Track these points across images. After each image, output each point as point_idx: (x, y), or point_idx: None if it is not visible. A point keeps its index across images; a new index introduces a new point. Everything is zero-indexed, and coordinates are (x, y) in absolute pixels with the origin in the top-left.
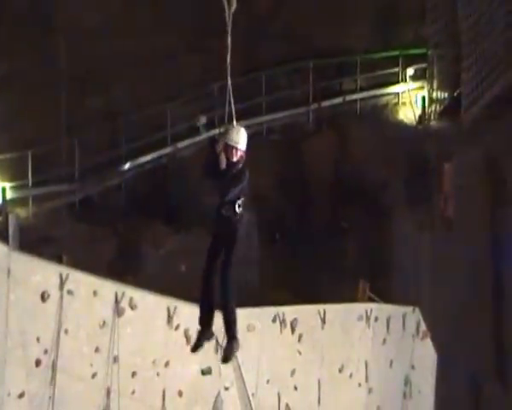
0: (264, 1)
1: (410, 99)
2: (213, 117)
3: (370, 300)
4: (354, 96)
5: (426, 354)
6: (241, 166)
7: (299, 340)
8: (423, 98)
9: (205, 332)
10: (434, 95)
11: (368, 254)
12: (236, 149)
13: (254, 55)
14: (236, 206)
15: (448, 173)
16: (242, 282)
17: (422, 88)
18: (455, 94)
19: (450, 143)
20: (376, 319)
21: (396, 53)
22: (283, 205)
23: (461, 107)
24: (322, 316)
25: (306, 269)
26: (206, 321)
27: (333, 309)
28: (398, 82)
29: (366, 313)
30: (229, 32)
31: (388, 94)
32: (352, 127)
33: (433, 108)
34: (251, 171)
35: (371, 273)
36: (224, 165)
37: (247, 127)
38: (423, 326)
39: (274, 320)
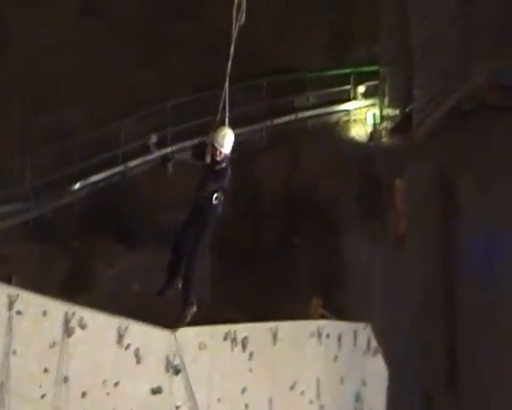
0: (217, 19)
1: (361, 116)
2: (166, 135)
3: (323, 316)
4: (306, 114)
5: (377, 370)
6: (224, 165)
7: (250, 358)
8: (374, 115)
9: (170, 281)
10: (386, 112)
11: (320, 270)
12: (220, 150)
13: (208, 72)
14: (213, 198)
15: (400, 189)
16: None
17: (374, 105)
18: (406, 111)
19: (402, 160)
20: (328, 335)
21: (348, 70)
22: (236, 221)
23: (412, 123)
24: (273, 333)
25: (258, 286)
26: (173, 271)
27: (285, 326)
28: (349, 99)
29: (318, 329)
30: (233, 43)
31: (340, 111)
32: (304, 144)
33: (385, 125)
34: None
35: (323, 289)
36: (208, 160)
37: (198, 145)
38: (375, 342)
39: (225, 338)
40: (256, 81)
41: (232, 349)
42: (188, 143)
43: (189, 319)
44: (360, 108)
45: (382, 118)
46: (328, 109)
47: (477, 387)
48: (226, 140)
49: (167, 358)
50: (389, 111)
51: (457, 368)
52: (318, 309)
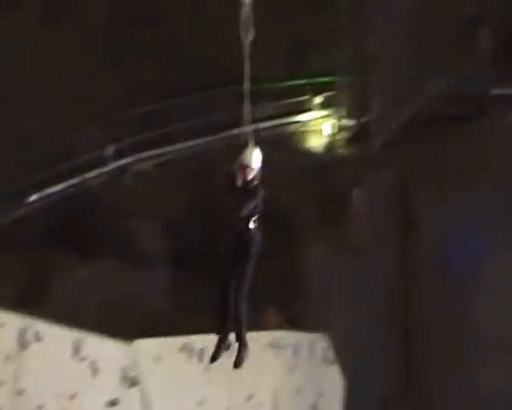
0: (176, 28)
1: (318, 127)
2: (124, 146)
3: (281, 327)
4: (264, 124)
5: (334, 381)
6: (255, 183)
7: (207, 369)
8: (332, 126)
9: (221, 343)
10: (342, 122)
11: (278, 280)
12: (249, 167)
13: (167, 82)
14: (251, 222)
15: (357, 199)
16: (153, 310)
17: (331, 116)
18: (363, 121)
19: (359, 170)
20: (285, 346)
21: (304, 81)
22: (194, 232)
23: (369, 134)
24: (230, 345)
25: (216, 296)
26: (222, 332)
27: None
28: (306, 110)
29: (275, 340)
30: (247, 61)
31: (297, 122)
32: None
33: (342, 136)
34: (162, 198)
35: (281, 300)
36: (239, 183)
37: (160, 155)
38: (331, 353)
39: (182, 350)
40: (213, 91)
41: (189, 361)
42: (146, 154)
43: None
44: (317, 119)
45: (339, 128)
46: (285, 120)
47: (432, 397)
48: (253, 156)
49: (124, 370)
50: (346, 121)
51: (413, 378)
52: (276, 319)
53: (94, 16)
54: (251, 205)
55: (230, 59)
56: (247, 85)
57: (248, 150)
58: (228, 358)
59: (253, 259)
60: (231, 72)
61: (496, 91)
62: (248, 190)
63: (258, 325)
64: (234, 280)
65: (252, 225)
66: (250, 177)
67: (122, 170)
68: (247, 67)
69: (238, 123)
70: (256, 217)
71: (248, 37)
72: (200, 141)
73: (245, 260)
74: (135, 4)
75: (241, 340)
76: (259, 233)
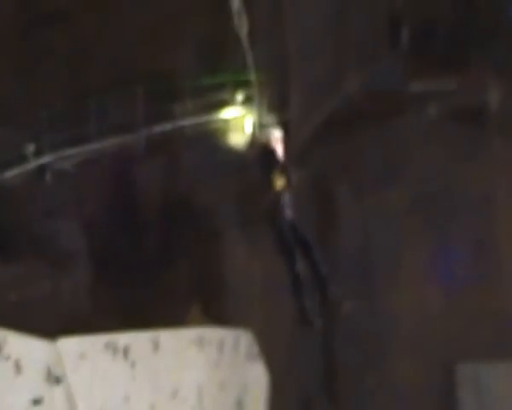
0: (90, 26)
1: (239, 124)
2: (43, 145)
3: (203, 323)
4: (184, 122)
5: (258, 376)
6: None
7: (131, 366)
8: (253, 123)
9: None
10: (264, 119)
11: (200, 277)
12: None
13: (82, 81)
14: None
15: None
16: (74, 310)
17: (251, 113)
18: (283, 118)
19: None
20: (209, 342)
21: (225, 78)
22: (115, 231)
23: (289, 131)
24: (154, 341)
25: (139, 295)
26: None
27: (166, 334)
28: (227, 107)
29: (199, 336)
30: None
31: (218, 119)
32: (183, 152)
33: (263, 133)
34: (81, 197)
35: (204, 297)
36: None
37: (76, 155)
38: (255, 348)
39: (106, 347)
40: (132, 89)
41: (113, 358)
42: (65, 153)
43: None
44: (238, 116)
45: (261, 125)
46: (207, 117)
47: (351, 393)
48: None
49: (48, 368)
50: (266, 119)
51: (336, 374)
52: (198, 316)
53: (6, 16)
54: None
55: (147, 58)
56: (253, 77)
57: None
58: (153, 356)
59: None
60: (148, 70)
61: (415, 88)
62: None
63: (181, 322)
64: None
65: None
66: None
67: (41, 169)
68: (249, 58)
69: (155, 121)
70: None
71: (244, 28)
72: (118, 139)
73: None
74: (50, 3)
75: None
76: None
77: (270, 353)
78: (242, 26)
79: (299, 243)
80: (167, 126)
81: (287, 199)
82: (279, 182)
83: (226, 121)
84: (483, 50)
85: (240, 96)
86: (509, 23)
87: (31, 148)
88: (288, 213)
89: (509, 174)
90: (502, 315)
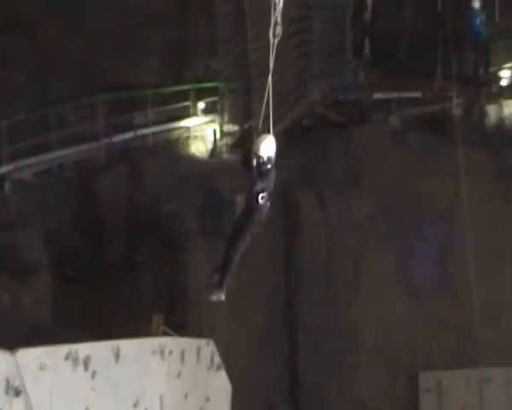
0: (51, 35)
1: (202, 132)
2: (1, 154)
3: (165, 333)
4: (146, 131)
5: (220, 386)
6: (268, 167)
7: (92, 377)
8: (215, 131)
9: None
10: (226, 128)
11: (162, 287)
12: (258, 155)
13: (43, 90)
14: (259, 197)
15: (241, 206)
16: (34, 321)
17: (214, 121)
18: (246, 127)
19: (243, 176)
20: (171, 352)
21: (187, 87)
22: (76, 242)
23: (252, 140)
24: (116, 352)
25: (100, 305)
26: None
27: (127, 344)
28: (189, 116)
29: (161, 346)
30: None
31: (180, 128)
32: (145, 161)
33: (225, 141)
34: (42, 207)
35: (166, 307)
36: (253, 163)
37: (36, 164)
38: (218, 358)
39: (66, 358)
40: (93, 98)
41: (74, 369)
42: (25, 162)
43: (214, 298)
44: (200, 125)
45: (223, 134)
46: (169, 126)
47: (318, 402)
48: (263, 147)
49: (7, 380)
50: (229, 127)
51: (299, 383)
52: (160, 326)
53: None
54: (262, 185)
55: (109, 67)
56: (269, 83)
57: (260, 140)
58: (115, 366)
59: (254, 224)
60: (109, 79)
61: (376, 96)
62: (261, 171)
63: (143, 332)
64: (234, 235)
65: (260, 201)
66: (261, 161)
67: (0, 179)
68: (271, 66)
69: (117, 130)
70: (265, 194)
71: (276, 38)
72: (79, 148)
73: (248, 223)
74: (11, 12)
75: (223, 278)
76: (267, 206)
77: (233, 362)
78: (275, 35)
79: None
80: (129, 135)
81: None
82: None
83: (188, 130)
84: (446, 61)
85: (202, 105)
86: (472, 34)
87: None
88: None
89: (472, 183)
90: (463, 324)
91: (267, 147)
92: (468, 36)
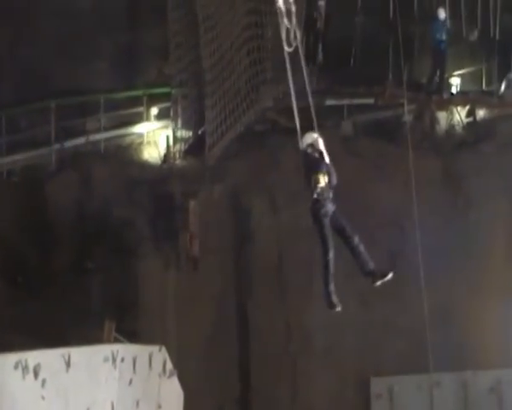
0: (2, 39)
1: (154, 138)
2: None
3: (116, 340)
4: (98, 136)
5: (173, 393)
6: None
7: (42, 385)
8: (168, 137)
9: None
10: (179, 134)
11: (113, 294)
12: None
13: None
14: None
15: (193, 211)
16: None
17: (167, 127)
18: (199, 132)
19: (196, 182)
20: (123, 359)
21: (140, 92)
22: (26, 247)
23: (204, 145)
24: (66, 359)
25: (50, 312)
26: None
27: (78, 352)
28: (142, 121)
29: (112, 353)
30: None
31: (133, 133)
32: (97, 167)
33: (178, 147)
34: None
35: (117, 313)
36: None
37: None
38: (170, 365)
39: (16, 367)
40: (43, 103)
41: (23, 378)
42: None
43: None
44: (153, 130)
45: (176, 140)
46: (121, 132)
47: (270, 407)
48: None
49: None
50: (182, 133)
51: (250, 388)
52: (111, 333)
53: None
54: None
55: (60, 72)
56: (292, 91)
57: (306, 136)
58: (65, 374)
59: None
60: (61, 84)
61: (328, 103)
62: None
63: (94, 339)
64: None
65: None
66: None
67: None
68: (289, 75)
69: (68, 135)
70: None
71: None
72: (30, 153)
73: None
74: None
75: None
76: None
77: (185, 368)
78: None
79: (338, 232)
80: (80, 141)
81: (328, 195)
82: (322, 180)
83: (141, 136)
84: (399, 67)
85: (154, 111)
86: (434, 43)
87: None
88: (330, 206)
89: (422, 189)
90: (413, 329)
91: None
92: (431, 45)
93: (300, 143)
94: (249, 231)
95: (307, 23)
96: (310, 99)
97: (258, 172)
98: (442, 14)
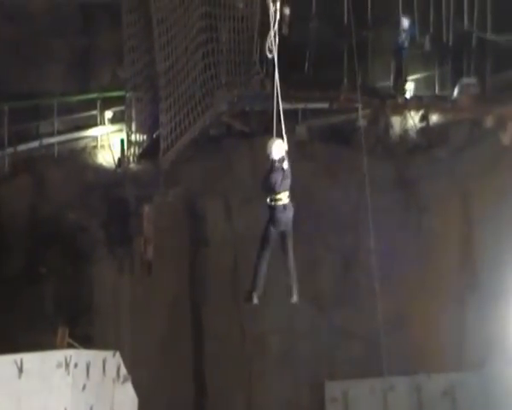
0: None
1: (109, 142)
2: None
3: (70, 346)
4: (52, 140)
5: (126, 398)
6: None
7: None
8: (122, 141)
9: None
10: (133, 137)
11: (67, 299)
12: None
13: None
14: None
15: (148, 215)
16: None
17: (121, 131)
18: (153, 136)
19: (150, 186)
20: (76, 365)
21: (94, 95)
22: None
23: (159, 149)
24: (19, 365)
25: (2, 317)
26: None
27: (30, 358)
28: (96, 125)
29: (65, 359)
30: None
31: (87, 137)
32: (50, 171)
33: (132, 151)
34: None
35: (71, 319)
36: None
37: None
38: (124, 370)
39: None
40: None
41: None
42: None
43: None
44: (108, 134)
45: (130, 143)
46: (75, 135)
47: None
48: (270, 148)
49: None
50: (137, 137)
51: (205, 393)
52: (64, 338)
53: None
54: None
55: (14, 75)
56: (276, 95)
57: (269, 143)
58: (18, 380)
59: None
60: (13, 88)
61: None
62: (283, 168)
63: (47, 345)
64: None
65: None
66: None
67: None
68: (276, 78)
69: (22, 139)
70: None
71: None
72: None
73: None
74: None
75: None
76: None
77: (139, 374)
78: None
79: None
80: (34, 145)
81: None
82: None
83: (94, 139)
84: (353, 72)
85: (108, 114)
86: (396, 50)
87: None
88: (283, 220)
89: (376, 193)
90: (367, 334)
91: (273, 149)
92: (393, 49)
93: (270, 152)
94: (204, 235)
95: (264, 28)
96: (274, 104)
97: (212, 177)
98: (405, 22)
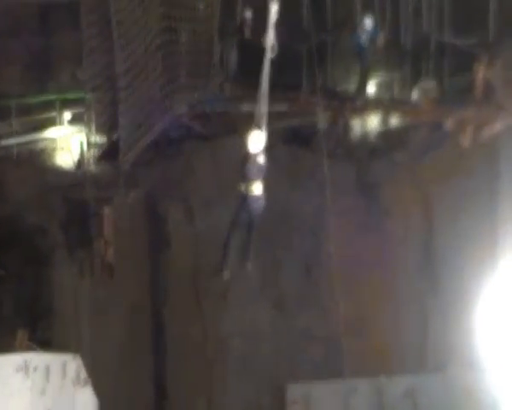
0: None
1: (68, 143)
2: None
3: (29, 349)
4: (10, 141)
5: (87, 401)
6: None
7: None
8: (81, 142)
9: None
10: (93, 139)
11: (26, 302)
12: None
13: None
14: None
15: (108, 217)
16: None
17: (80, 132)
18: (113, 138)
19: (110, 188)
20: (35, 368)
21: (53, 96)
22: None
23: (118, 151)
24: None
25: None
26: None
27: None
28: (55, 126)
29: (25, 362)
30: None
31: (46, 138)
32: (8, 173)
33: (92, 153)
34: None
35: (30, 322)
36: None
37: None
38: (84, 373)
39: None
40: None
41: None
42: None
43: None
44: (66, 136)
45: (89, 145)
46: (34, 137)
47: None
48: (252, 142)
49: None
50: (96, 138)
51: (167, 396)
52: (23, 341)
53: None
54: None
55: None
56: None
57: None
58: None
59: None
60: None
61: (244, 108)
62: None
63: (6, 348)
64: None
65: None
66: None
67: None
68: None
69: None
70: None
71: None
72: None
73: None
74: None
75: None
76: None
77: (99, 378)
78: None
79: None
80: None
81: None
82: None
83: (53, 141)
84: (313, 74)
85: (67, 115)
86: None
87: None
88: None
89: (336, 196)
90: (329, 336)
91: (256, 142)
92: (359, 54)
93: (251, 146)
94: (165, 237)
95: (225, 30)
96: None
97: (173, 179)
98: (368, 23)
